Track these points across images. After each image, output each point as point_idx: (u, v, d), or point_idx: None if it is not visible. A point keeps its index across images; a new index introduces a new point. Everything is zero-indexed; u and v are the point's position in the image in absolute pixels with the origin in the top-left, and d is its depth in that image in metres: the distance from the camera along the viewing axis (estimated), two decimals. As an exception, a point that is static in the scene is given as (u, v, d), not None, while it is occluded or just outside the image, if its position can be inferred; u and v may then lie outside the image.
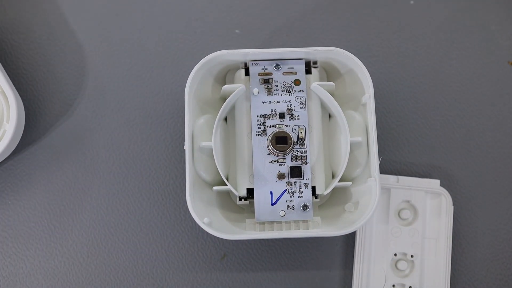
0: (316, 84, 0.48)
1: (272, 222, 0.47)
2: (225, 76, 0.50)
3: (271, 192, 0.47)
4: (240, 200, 0.48)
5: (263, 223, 0.47)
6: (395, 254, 0.51)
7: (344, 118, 0.47)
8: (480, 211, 0.53)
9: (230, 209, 0.49)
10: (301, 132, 0.47)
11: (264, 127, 0.47)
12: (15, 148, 0.51)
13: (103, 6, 0.55)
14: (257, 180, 0.47)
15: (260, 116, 0.48)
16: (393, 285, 0.50)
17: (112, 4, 0.55)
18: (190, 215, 0.46)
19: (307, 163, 0.47)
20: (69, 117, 0.53)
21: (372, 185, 0.47)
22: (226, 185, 0.47)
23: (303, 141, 0.47)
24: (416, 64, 0.55)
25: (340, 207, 0.49)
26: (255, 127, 0.47)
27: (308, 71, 0.49)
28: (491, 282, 0.52)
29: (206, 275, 0.52)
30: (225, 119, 0.50)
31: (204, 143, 0.47)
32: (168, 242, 0.52)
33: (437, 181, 0.51)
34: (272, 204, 0.47)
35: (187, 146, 0.47)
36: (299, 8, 0.55)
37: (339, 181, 0.47)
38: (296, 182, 0.47)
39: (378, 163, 0.46)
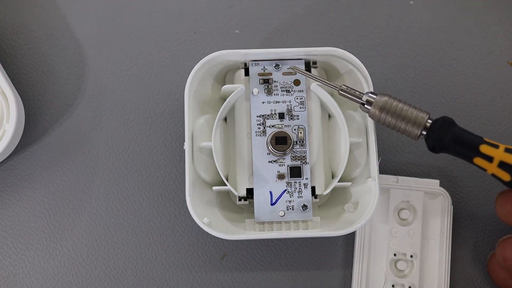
0: (315, 84, 0.48)
1: (271, 222, 0.47)
2: (225, 76, 0.50)
3: (270, 192, 0.47)
4: (239, 200, 0.48)
5: (263, 223, 0.47)
6: (395, 254, 0.51)
7: (343, 119, 0.47)
8: (480, 211, 0.53)
9: (230, 209, 0.49)
10: (300, 132, 0.47)
11: (264, 127, 0.47)
12: (15, 148, 0.51)
13: (103, 6, 0.55)
14: (257, 180, 0.47)
15: (259, 116, 0.48)
16: (393, 285, 0.50)
17: (112, 5, 0.55)
18: (190, 215, 0.46)
19: (306, 163, 0.47)
20: (69, 117, 0.53)
21: (371, 185, 0.47)
22: (226, 185, 0.47)
23: (302, 141, 0.47)
24: (416, 64, 0.55)
25: (339, 207, 0.49)
26: (254, 127, 0.47)
27: (308, 71, 0.49)
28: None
29: (206, 275, 0.52)
30: (225, 119, 0.50)
31: (204, 143, 0.47)
32: (168, 242, 0.52)
33: (437, 181, 0.51)
34: (272, 204, 0.47)
35: (186, 146, 0.47)
36: (299, 8, 0.55)
37: (338, 181, 0.47)
38: (295, 182, 0.47)
39: (378, 163, 0.46)
